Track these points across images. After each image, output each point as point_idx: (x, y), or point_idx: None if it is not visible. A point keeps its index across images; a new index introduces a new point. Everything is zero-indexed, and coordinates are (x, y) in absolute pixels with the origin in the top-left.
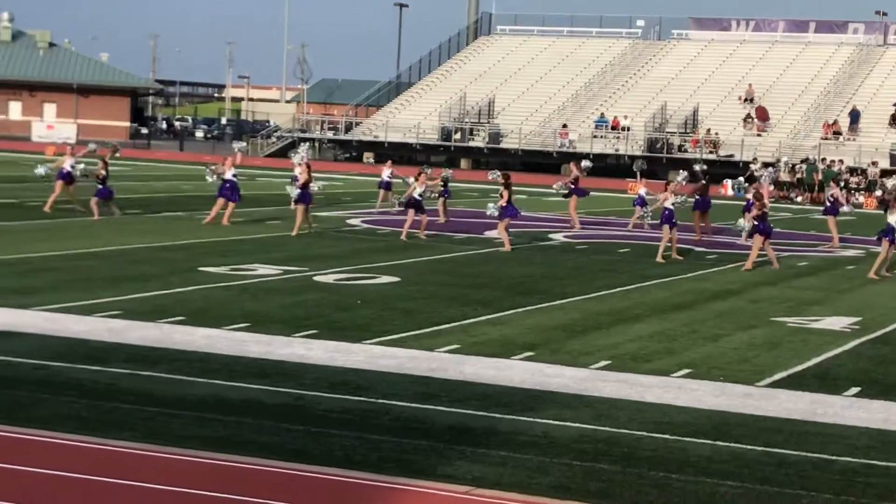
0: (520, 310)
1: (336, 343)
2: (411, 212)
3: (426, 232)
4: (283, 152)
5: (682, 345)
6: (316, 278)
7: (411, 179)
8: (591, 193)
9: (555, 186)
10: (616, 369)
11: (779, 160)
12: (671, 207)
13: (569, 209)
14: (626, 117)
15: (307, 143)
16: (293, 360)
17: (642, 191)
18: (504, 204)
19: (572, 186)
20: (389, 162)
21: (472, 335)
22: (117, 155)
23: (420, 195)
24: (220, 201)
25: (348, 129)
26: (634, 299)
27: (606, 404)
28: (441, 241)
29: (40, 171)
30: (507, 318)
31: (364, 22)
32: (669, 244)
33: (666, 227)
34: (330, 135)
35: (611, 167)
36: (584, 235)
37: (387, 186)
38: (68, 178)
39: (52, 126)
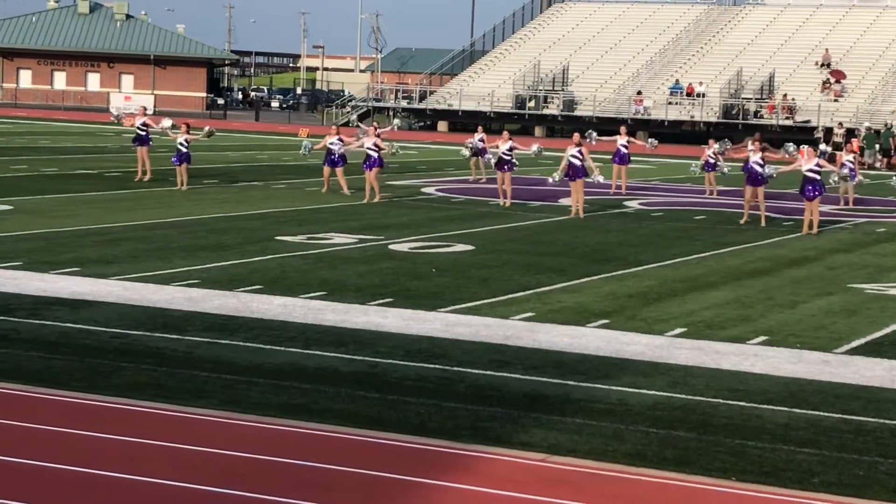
0: (594, 277)
1: (411, 311)
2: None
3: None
4: (359, 121)
5: (758, 312)
6: (391, 247)
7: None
8: (667, 160)
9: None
10: (692, 336)
11: (862, 127)
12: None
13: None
14: (701, 84)
15: (399, 115)
16: (369, 328)
17: (710, 152)
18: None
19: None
20: (479, 127)
21: (547, 303)
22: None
23: (507, 153)
24: (331, 170)
25: (422, 97)
26: (710, 266)
27: (682, 372)
28: (515, 208)
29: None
30: (581, 286)
31: None
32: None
33: (749, 188)
34: (404, 104)
35: (685, 134)
36: (659, 203)
37: (481, 153)
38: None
39: (129, 97)
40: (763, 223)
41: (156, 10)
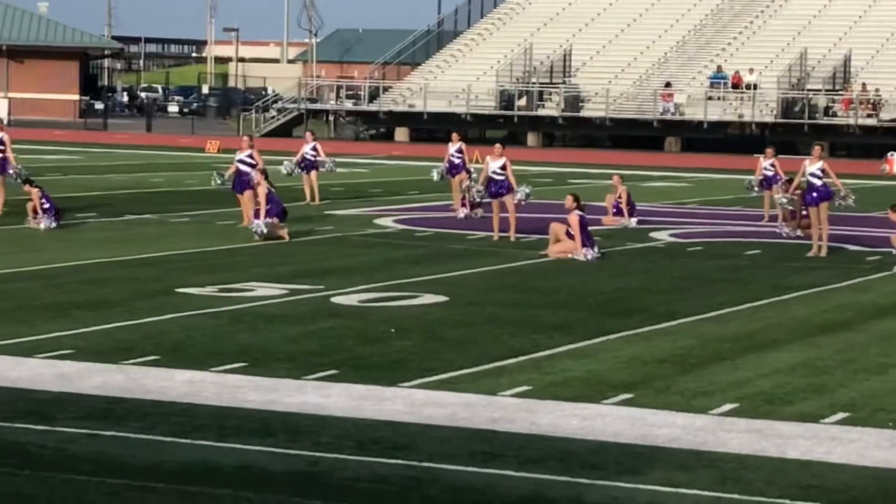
0: (612, 336)
1: (364, 387)
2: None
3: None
4: (287, 129)
5: (835, 380)
6: (334, 299)
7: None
8: (708, 175)
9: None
10: (746, 415)
11: None
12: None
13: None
14: (751, 71)
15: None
16: (306, 410)
17: (767, 163)
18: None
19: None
20: (455, 135)
21: (548, 372)
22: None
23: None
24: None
25: (373, 96)
26: (768, 319)
27: (734, 463)
28: (503, 245)
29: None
30: (594, 349)
31: None
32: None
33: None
34: (349, 105)
35: (733, 139)
36: (697, 233)
37: (457, 169)
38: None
39: None
40: (821, 252)
41: None
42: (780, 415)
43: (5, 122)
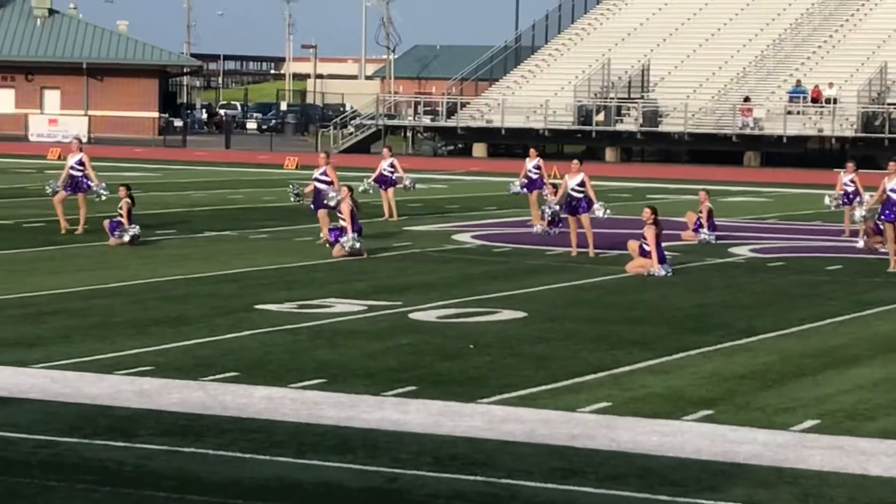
0: (691, 352)
1: (442, 403)
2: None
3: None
4: (365, 146)
5: None
6: (412, 315)
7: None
8: (788, 190)
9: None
10: (828, 431)
11: None
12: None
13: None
14: (831, 86)
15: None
16: (384, 427)
17: (847, 178)
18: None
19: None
20: (533, 151)
21: (628, 388)
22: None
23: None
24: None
25: (451, 112)
26: (851, 334)
27: (815, 480)
28: (581, 260)
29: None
30: (674, 364)
31: None
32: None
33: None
34: (427, 121)
35: (813, 154)
36: (778, 248)
37: (534, 185)
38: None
39: (55, 120)
40: (892, 267)
41: (89, 1)
42: (862, 431)
43: (84, 140)
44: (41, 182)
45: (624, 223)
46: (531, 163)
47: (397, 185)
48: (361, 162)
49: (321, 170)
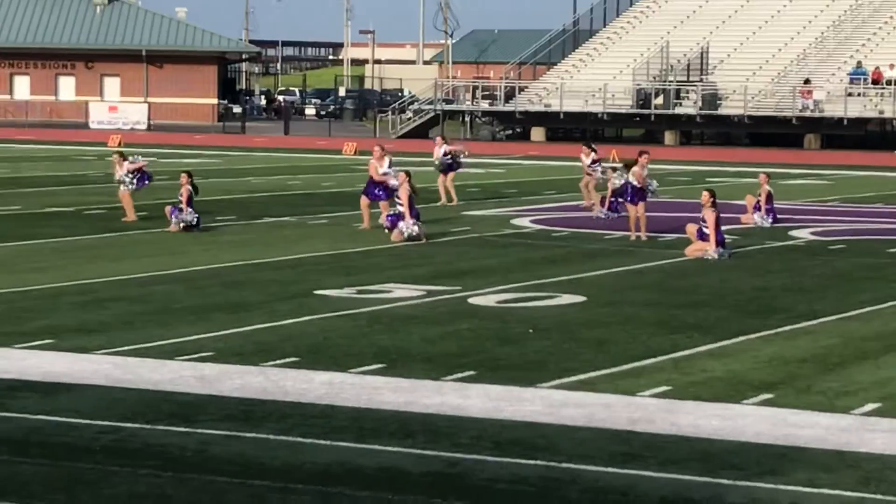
0: (752, 336)
1: (502, 388)
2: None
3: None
4: (423, 131)
5: None
6: (472, 300)
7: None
8: (849, 172)
9: None
10: (890, 414)
11: None
12: None
13: None
14: (892, 67)
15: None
16: (444, 412)
17: None
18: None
19: None
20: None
21: (688, 373)
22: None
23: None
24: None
25: (509, 96)
26: None
27: (877, 463)
28: (640, 244)
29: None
30: (734, 348)
31: None
32: None
33: None
34: (485, 105)
35: (874, 136)
36: (839, 231)
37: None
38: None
39: (115, 108)
40: None
41: None
42: None
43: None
44: (101, 169)
45: (683, 206)
46: (587, 160)
47: (456, 169)
48: (419, 147)
49: (385, 162)
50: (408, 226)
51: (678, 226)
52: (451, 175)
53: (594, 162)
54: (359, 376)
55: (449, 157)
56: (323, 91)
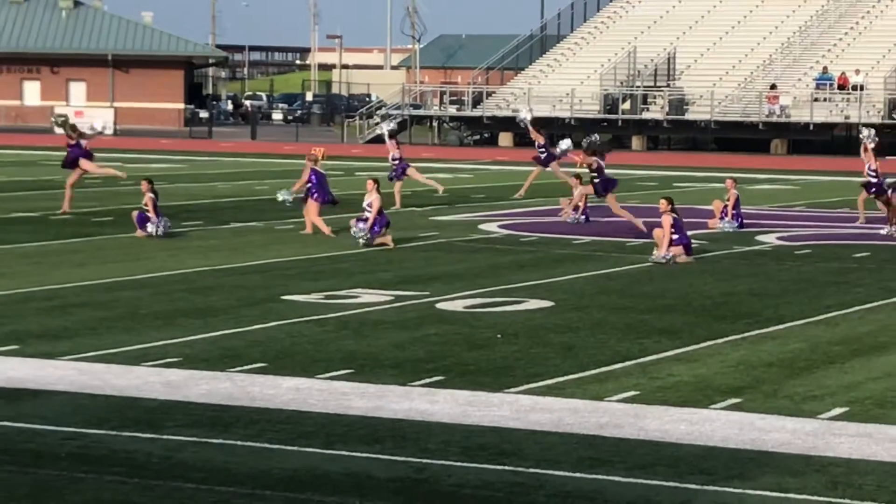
0: (719, 341)
1: (469, 393)
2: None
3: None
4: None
5: None
6: (439, 306)
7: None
8: (815, 178)
9: None
10: (856, 419)
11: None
12: None
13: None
14: (858, 72)
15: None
16: (412, 417)
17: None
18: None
19: None
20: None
21: (655, 377)
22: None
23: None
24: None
25: (477, 101)
26: (879, 322)
27: (844, 467)
28: (607, 247)
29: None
30: (701, 353)
31: None
32: None
33: None
34: (452, 110)
35: (839, 141)
36: (805, 236)
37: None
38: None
39: (80, 112)
40: None
41: None
42: (890, 419)
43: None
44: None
45: (650, 212)
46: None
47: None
48: (385, 152)
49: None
50: (361, 231)
51: (646, 231)
52: (399, 183)
53: (541, 146)
54: (326, 382)
55: (398, 161)
56: (290, 96)
